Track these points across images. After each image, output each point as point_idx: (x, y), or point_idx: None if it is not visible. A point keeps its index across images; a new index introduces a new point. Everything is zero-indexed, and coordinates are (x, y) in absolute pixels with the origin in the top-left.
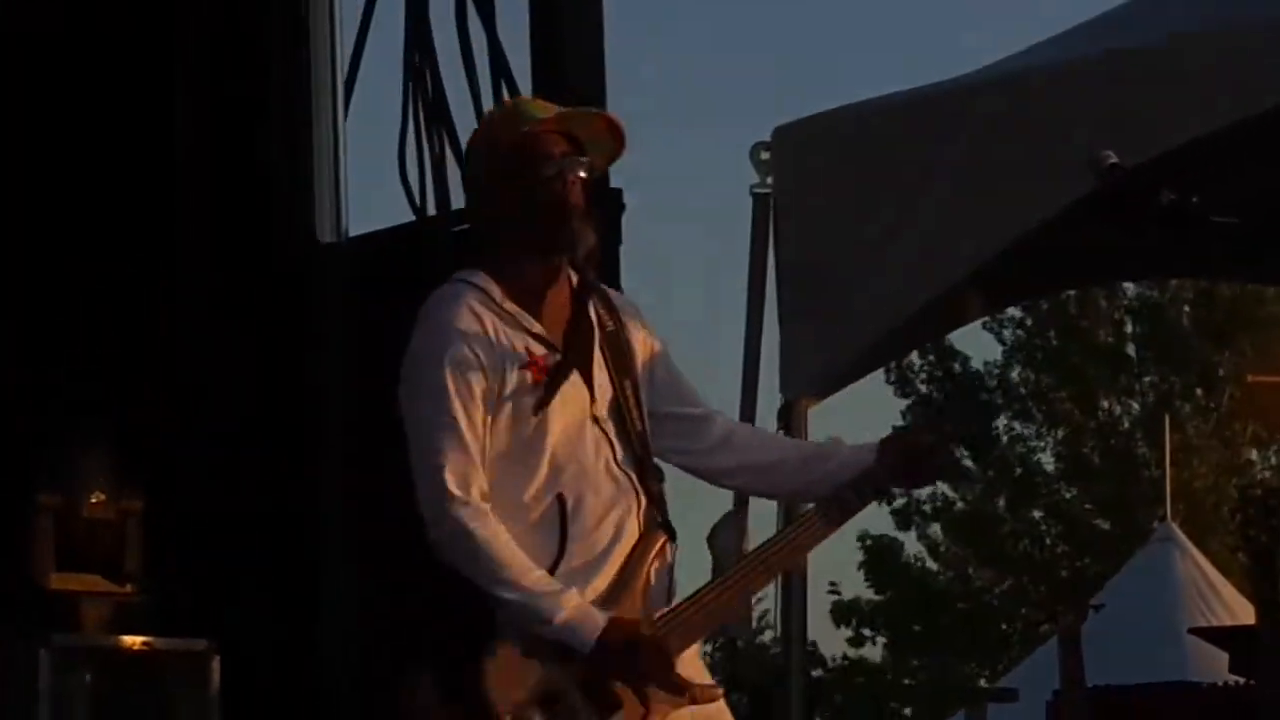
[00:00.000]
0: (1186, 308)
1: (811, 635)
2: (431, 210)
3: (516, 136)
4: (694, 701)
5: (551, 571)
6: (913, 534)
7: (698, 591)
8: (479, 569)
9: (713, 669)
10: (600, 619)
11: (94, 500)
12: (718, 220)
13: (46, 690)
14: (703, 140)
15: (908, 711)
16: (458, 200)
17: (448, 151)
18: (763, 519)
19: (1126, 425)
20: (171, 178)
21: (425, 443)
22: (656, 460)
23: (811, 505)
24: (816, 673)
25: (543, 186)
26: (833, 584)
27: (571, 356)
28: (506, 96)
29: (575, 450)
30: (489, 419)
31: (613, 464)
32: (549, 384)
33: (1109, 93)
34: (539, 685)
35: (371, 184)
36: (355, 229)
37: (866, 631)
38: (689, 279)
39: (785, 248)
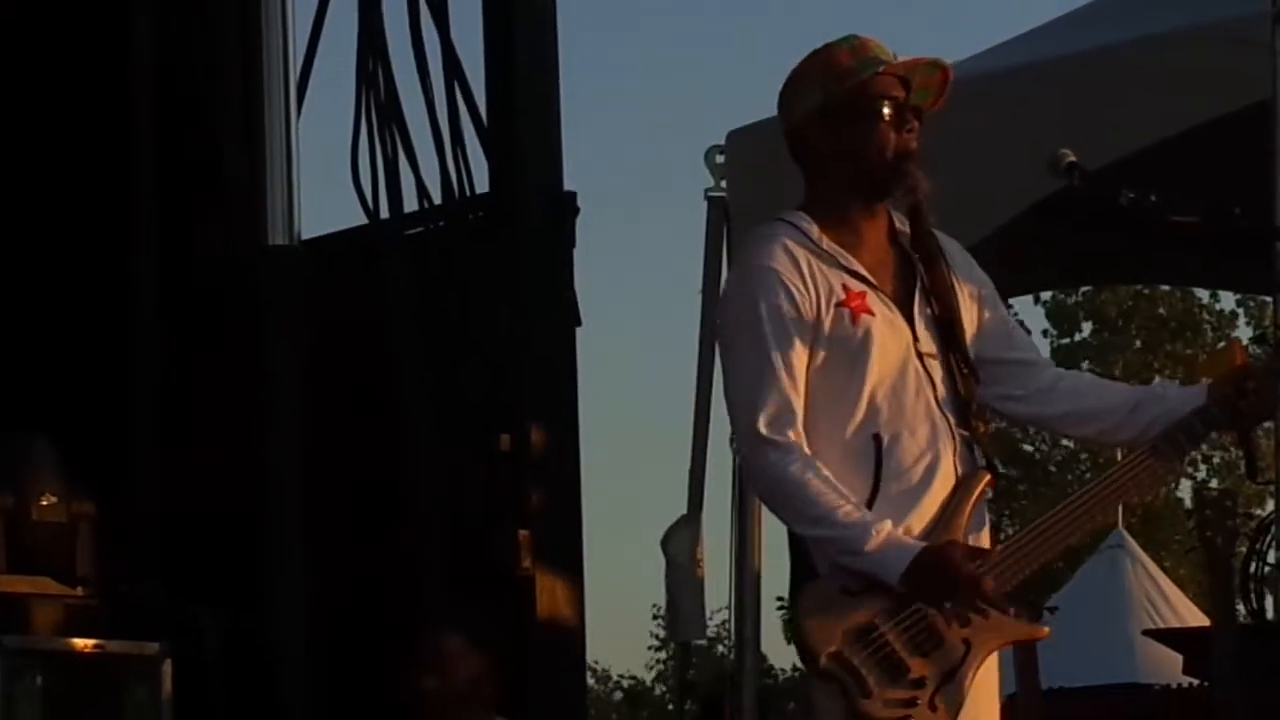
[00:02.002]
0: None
1: (764, 648)
2: (384, 213)
3: (864, 76)
4: (1014, 639)
5: (868, 504)
6: None
7: (1015, 537)
8: (788, 508)
9: (665, 673)
10: (912, 546)
11: (44, 502)
12: (674, 222)
13: None
14: (660, 141)
15: None
16: (410, 203)
17: (400, 153)
18: (718, 522)
19: None
20: (123, 177)
21: (740, 382)
22: (985, 405)
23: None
24: (766, 682)
25: (887, 129)
26: (781, 599)
27: (891, 294)
28: (456, 94)
29: (895, 389)
30: (807, 356)
31: (933, 405)
32: (869, 322)
33: (1071, 94)
34: (854, 622)
35: (324, 186)
36: (307, 232)
37: None
38: (645, 281)
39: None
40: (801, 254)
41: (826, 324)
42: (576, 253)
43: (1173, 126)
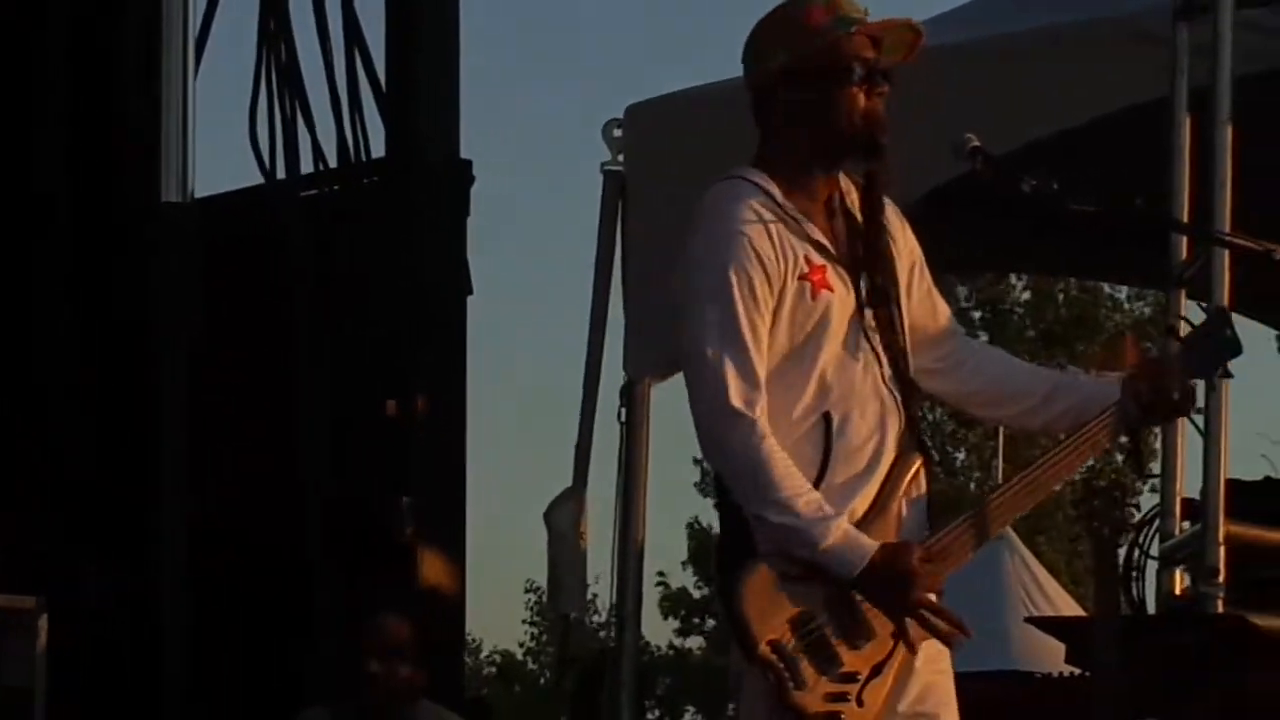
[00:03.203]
0: (1020, 309)
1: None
2: (281, 173)
3: (838, 35)
4: (947, 641)
5: (815, 486)
6: None
7: (956, 521)
8: (750, 488)
9: (542, 647)
10: (869, 546)
11: None
12: (571, 193)
13: None
14: (561, 110)
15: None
16: (307, 164)
17: (299, 115)
18: (603, 498)
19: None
20: (26, 131)
21: (705, 346)
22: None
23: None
24: (644, 659)
25: (857, 92)
26: (661, 574)
27: (851, 269)
28: (355, 58)
29: (846, 367)
30: (770, 325)
31: (881, 382)
32: (828, 299)
33: (976, 81)
34: (793, 610)
35: (220, 145)
36: (202, 190)
37: (695, 621)
38: (538, 252)
39: (634, 226)
40: (768, 216)
41: (788, 296)
42: (471, 222)
43: (1076, 117)
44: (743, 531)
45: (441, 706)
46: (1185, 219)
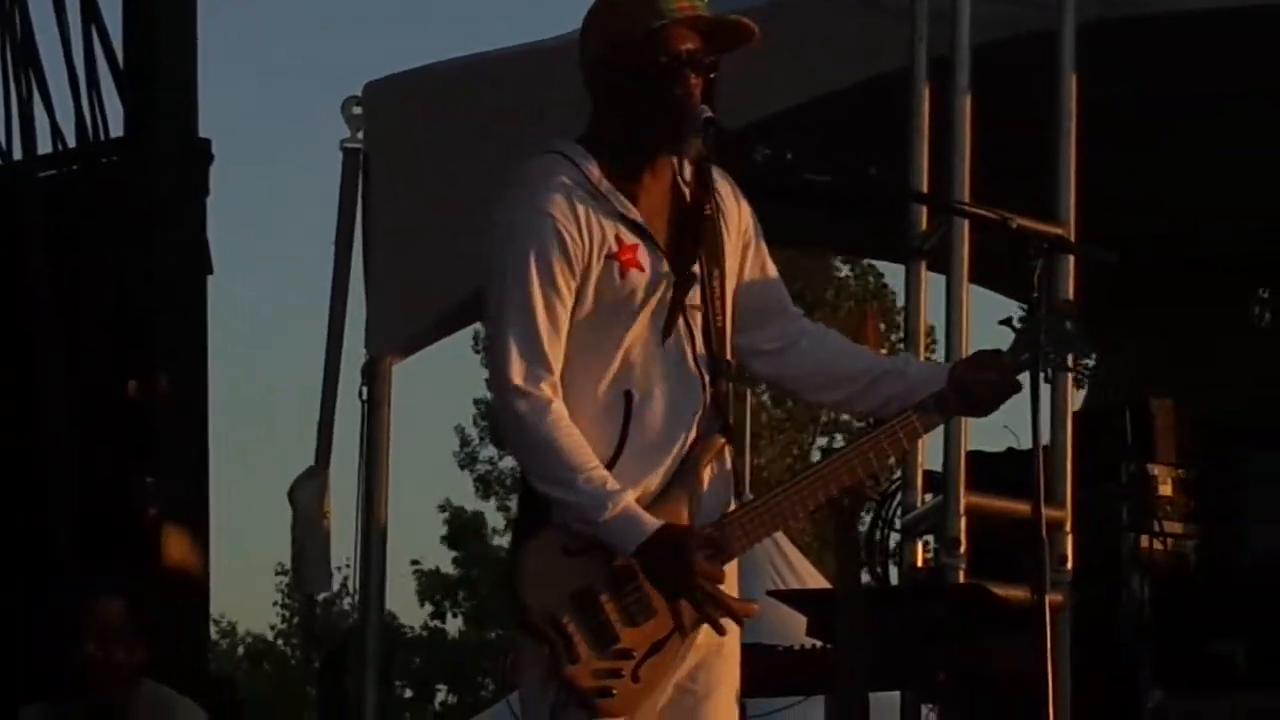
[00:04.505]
0: None
1: (394, 608)
2: (17, 155)
3: (654, 27)
4: (732, 616)
5: (608, 465)
6: (493, 504)
7: (753, 501)
8: (532, 463)
9: (294, 629)
10: (649, 525)
11: None
12: (310, 172)
13: None
14: (299, 89)
15: (488, 682)
16: (44, 145)
17: (35, 95)
18: (344, 476)
19: None
20: None
21: (499, 326)
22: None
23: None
24: (398, 637)
25: (669, 83)
26: (415, 561)
27: (664, 244)
28: (93, 36)
29: (653, 345)
30: (571, 306)
31: (689, 361)
32: (636, 279)
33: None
34: (574, 584)
35: None
36: None
37: (447, 604)
38: (278, 231)
39: (375, 203)
40: (578, 194)
41: (594, 275)
42: (210, 201)
43: (811, 91)
44: (535, 504)
45: (165, 686)
46: (925, 189)
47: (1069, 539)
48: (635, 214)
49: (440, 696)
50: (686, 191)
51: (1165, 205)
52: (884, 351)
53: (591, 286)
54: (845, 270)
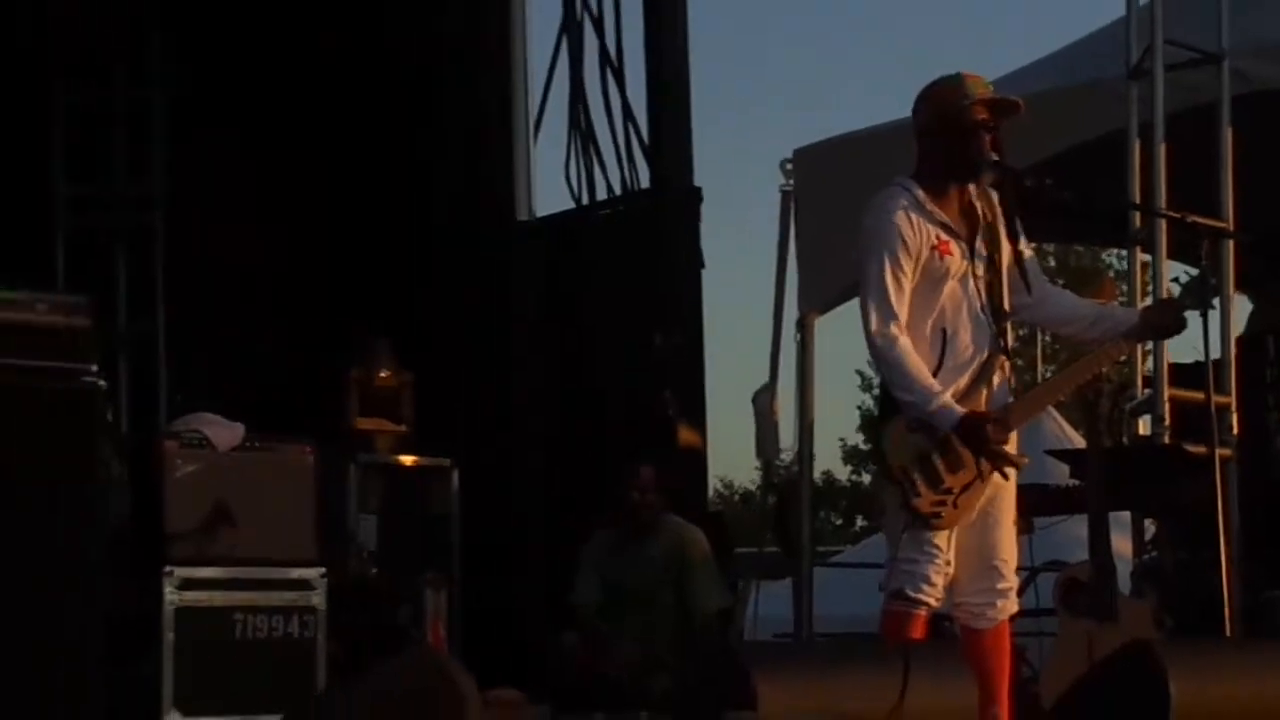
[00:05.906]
0: None
1: (829, 467)
2: (584, 200)
3: (963, 104)
4: (1013, 465)
5: (934, 373)
6: None
7: (1025, 394)
8: (889, 375)
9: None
10: (959, 412)
11: (383, 374)
12: (753, 207)
13: (353, 489)
14: (737, 149)
15: None
16: (600, 193)
17: (595, 161)
18: (784, 391)
19: None
20: (426, 171)
21: (867, 290)
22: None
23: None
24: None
25: (970, 139)
26: (841, 439)
27: (965, 238)
28: (631, 128)
29: (957, 301)
30: (911, 278)
31: (979, 310)
32: (949, 260)
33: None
34: (916, 449)
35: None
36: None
37: (862, 467)
38: (735, 243)
39: (802, 220)
40: (913, 209)
41: (923, 259)
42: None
43: (1059, 144)
44: (891, 401)
45: (682, 519)
46: (1137, 199)
47: (1235, 415)
48: (946, 219)
49: (859, 523)
50: (978, 205)
51: None
52: (1118, 303)
53: (921, 264)
54: (1104, 255)
